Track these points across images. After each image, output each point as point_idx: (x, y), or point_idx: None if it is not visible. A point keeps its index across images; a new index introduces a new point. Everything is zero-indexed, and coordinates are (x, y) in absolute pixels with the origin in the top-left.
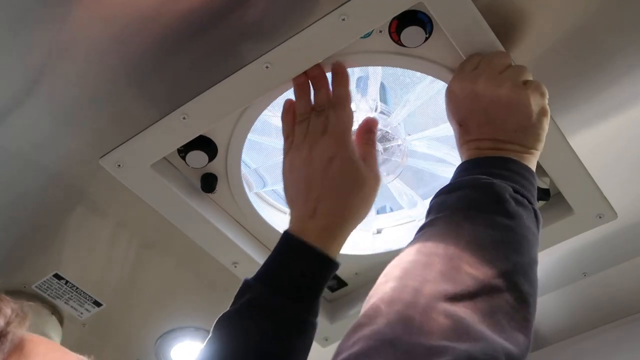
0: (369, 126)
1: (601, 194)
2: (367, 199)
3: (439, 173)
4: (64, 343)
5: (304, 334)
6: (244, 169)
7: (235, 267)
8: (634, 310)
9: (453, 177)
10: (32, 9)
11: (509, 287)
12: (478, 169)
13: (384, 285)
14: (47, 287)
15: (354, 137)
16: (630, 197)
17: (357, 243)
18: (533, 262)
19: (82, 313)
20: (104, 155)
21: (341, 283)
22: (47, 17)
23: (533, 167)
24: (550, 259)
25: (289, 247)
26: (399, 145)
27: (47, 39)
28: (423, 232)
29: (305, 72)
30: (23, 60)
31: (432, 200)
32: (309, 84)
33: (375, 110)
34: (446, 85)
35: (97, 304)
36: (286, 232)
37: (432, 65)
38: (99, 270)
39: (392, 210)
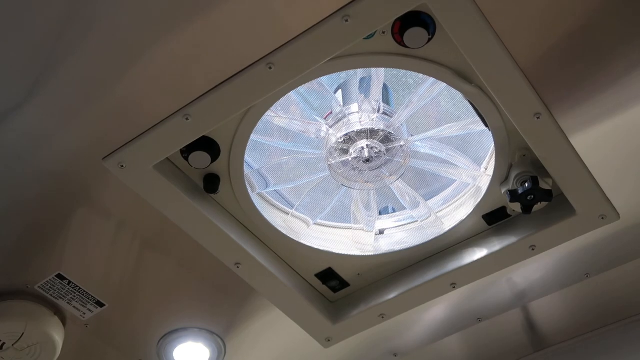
0: None
1: (604, 195)
2: None
3: (442, 174)
4: (66, 343)
5: None
6: (246, 170)
7: (238, 267)
8: (637, 311)
9: None
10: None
11: None
12: None
13: None
14: (50, 287)
15: None
16: (633, 198)
17: (360, 244)
18: None
19: (84, 313)
20: (106, 156)
21: (344, 284)
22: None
23: None
24: (553, 259)
25: None
26: (401, 146)
27: (50, 39)
28: None
29: None
30: (25, 59)
31: None
32: None
33: (378, 111)
34: (449, 86)
35: (100, 305)
36: None
37: (435, 66)
38: (102, 270)
39: (394, 211)
